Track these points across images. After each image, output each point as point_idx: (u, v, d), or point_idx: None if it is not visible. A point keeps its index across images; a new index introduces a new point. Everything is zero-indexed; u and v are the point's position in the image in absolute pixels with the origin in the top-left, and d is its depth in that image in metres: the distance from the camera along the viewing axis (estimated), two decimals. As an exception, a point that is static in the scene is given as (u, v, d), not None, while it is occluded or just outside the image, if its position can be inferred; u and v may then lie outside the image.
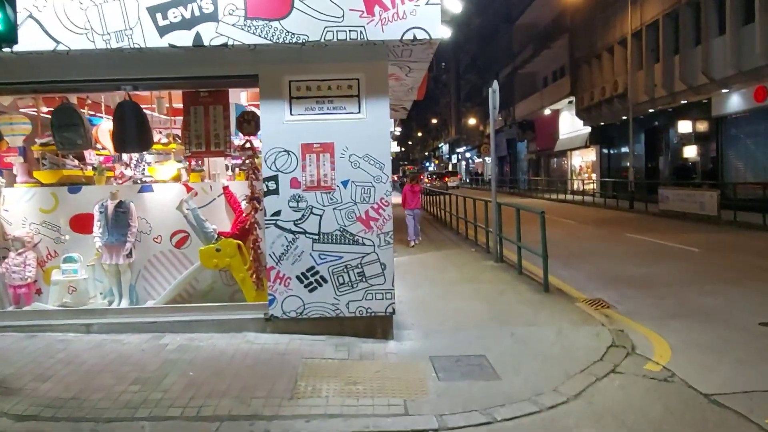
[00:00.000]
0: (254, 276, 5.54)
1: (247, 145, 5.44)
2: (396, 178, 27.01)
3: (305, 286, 5.27)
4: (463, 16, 52.13)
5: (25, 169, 6.25)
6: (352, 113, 5.21)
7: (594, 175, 29.38)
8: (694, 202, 16.82)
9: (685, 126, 20.73)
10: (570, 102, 30.48)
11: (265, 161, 5.17)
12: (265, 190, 5.19)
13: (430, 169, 71.16)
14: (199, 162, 6.23)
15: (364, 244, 5.25)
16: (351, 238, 5.25)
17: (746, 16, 16.85)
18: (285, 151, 5.18)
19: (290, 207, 5.20)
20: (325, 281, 5.28)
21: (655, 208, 18.90)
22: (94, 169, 6.24)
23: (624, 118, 23.90)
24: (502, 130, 40.48)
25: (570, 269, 9.23)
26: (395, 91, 7.65)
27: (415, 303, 6.95)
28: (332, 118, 5.20)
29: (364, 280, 5.28)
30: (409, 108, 9.75)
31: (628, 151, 24.41)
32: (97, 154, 6.70)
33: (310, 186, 5.20)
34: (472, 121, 51.13)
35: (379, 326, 5.38)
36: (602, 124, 27.00)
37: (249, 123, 5.42)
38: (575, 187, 29.88)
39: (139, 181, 6.46)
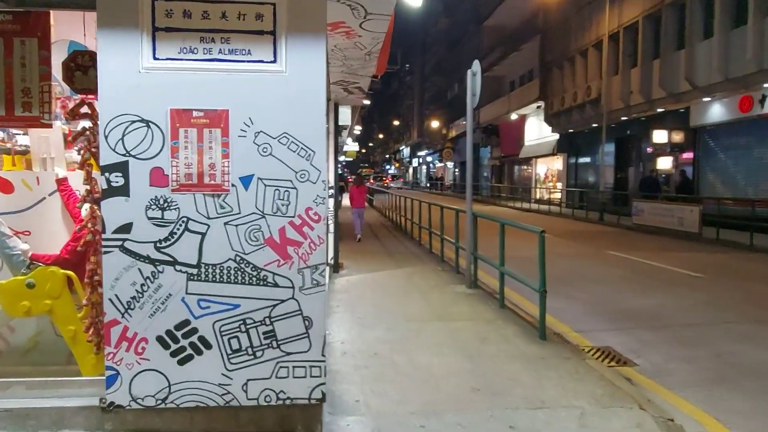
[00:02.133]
0: (92, 330, 3.28)
1: (84, 109, 3.19)
2: (350, 180, 25.06)
3: (173, 354, 3.07)
4: (431, 15, 50.58)
5: None
6: (262, 63, 3.06)
7: (559, 184, 28.09)
8: (672, 217, 15.46)
9: (660, 136, 19.45)
10: (538, 107, 29.10)
11: (106, 138, 2.96)
12: (105, 187, 2.97)
13: (391, 171, 70.02)
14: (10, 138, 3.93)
15: (276, 285, 3.11)
16: (254, 274, 3.09)
17: (737, 17, 15.59)
18: (142, 121, 2.98)
19: (149, 218, 3.00)
20: (208, 346, 3.09)
21: (627, 221, 17.54)
22: None
23: (595, 125, 22.57)
24: (465, 134, 38.94)
25: (561, 299, 7.31)
26: (348, 56, 5.52)
27: (365, 356, 4.83)
28: (228, 69, 3.04)
29: (274, 344, 3.12)
30: (367, 89, 7.61)
31: (596, 160, 23.12)
32: None
33: (186, 184, 3.02)
34: (435, 124, 49.61)
35: (299, 421, 3.23)
36: (571, 131, 25.66)
37: (86, 72, 3.18)
38: (539, 195, 28.55)
39: None
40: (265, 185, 3.08)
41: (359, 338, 5.34)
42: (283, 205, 3.08)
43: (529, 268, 6.35)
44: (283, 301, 3.12)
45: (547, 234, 5.79)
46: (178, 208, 3.03)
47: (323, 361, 3.19)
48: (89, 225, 3.22)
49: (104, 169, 2.98)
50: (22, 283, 3.32)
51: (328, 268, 2.95)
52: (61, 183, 3.63)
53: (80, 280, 3.37)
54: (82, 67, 3.19)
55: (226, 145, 3.05)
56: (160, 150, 3.01)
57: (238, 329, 3.10)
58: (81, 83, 3.19)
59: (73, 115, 3.15)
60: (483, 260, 7.51)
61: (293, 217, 3.09)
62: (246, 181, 3.07)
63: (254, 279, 3.09)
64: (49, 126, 3.35)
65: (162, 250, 3.03)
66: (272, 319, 3.12)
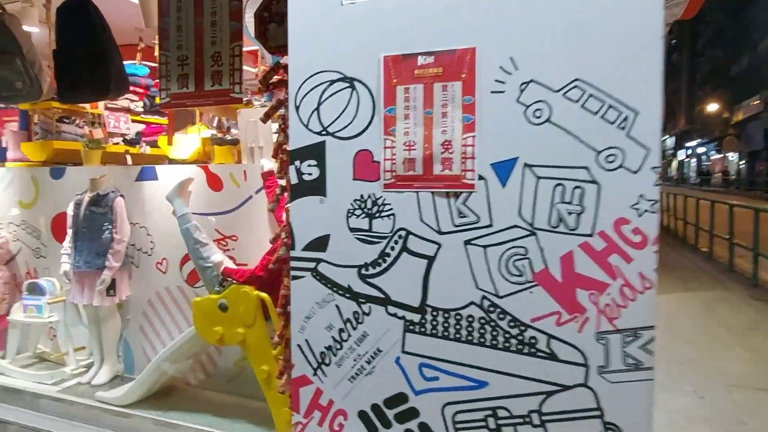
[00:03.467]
0: (285, 379, 2.39)
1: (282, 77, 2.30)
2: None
3: (382, 444, 1.96)
4: (707, -23, 42.21)
5: (17, 140, 4.07)
6: (536, -42, 1.71)
7: None
8: None
9: None
10: None
11: (297, 110, 1.98)
12: (295, 182, 2.01)
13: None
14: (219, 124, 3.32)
15: (554, 357, 1.73)
16: (515, 333, 1.76)
17: None
18: (344, 79, 1.92)
19: (352, 229, 1.93)
20: (435, 442, 1.89)
21: None
22: (90, 141, 3.73)
23: None
24: (758, 116, 31.17)
25: None
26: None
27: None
28: (476, -21, 1.77)
29: (546, 461, 1.76)
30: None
31: None
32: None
33: (405, 176, 1.86)
34: (712, 108, 41.31)
35: None
36: None
37: (282, 22, 2.27)
38: None
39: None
40: (538, 177, 1.71)
41: (657, 408, 3.60)
42: (571, 213, 1.68)
43: None
44: (565, 387, 1.72)
45: None
46: (393, 214, 1.88)
47: (639, 508, 1.69)
48: (282, 234, 2.31)
49: (294, 156, 2.01)
50: (215, 303, 2.62)
51: (655, 336, 1.44)
52: (267, 177, 2.88)
53: (275, 304, 2.53)
54: (277, 17, 2.30)
55: (470, 110, 1.78)
56: (369, 123, 1.90)
57: (483, 425, 1.82)
58: (276, 39, 2.30)
59: (265, 83, 2.28)
60: None
61: (590, 235, 1.66)
62: (504, 169, 1.75)
63: (514, 342, 1.76)
64: (238, 101, 2.59)
65: (368, 279, 1.93)
66: (544, 417, 1.75)
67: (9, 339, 3.61)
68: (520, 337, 1.76)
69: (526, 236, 1.73)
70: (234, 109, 3.41)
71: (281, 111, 2.31)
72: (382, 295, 1.92)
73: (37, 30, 3.29)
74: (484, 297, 1.79)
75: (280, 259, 2.33)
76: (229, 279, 2.63)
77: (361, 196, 1.92)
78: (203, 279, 2.77)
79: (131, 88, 4.27)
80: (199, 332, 2.67)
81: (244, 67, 2.75)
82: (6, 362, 3.58)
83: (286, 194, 2.35)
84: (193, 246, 2.73)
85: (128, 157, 4.19)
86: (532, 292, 1.74)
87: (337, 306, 1.98)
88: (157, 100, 2.83)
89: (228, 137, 3.21)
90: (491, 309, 1.78)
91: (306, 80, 1.99)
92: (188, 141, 3.37)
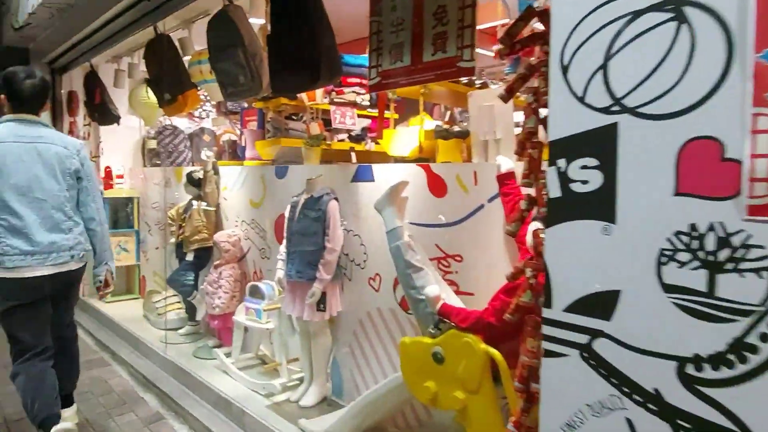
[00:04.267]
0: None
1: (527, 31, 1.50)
2: None
3: None
4: None
5: (253, 138, 4.08)
6: None
7: None
8: None
9: None
10: None
11: (564, 73, 1.16)
12: (556, 195, 1.19)
13: None
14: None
15: None
16: None
17: None
18: (662, 5, 1.03)
19: (671, 288, 1.04)
20: None
21: None
22: (309, 138, 3.43)
23: None
24: None
25: None
26: None
27: None
28: None
29: None
30: None
31: None
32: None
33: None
34: None
35: None
36: None
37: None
38: None
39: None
40: None
41: None
42: None
43: None
44: None
45: None
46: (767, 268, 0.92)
47: None
48: (528, 272, 1.51)
49: (557, 150, 1.20)
50: (428, 350, 1.96)
51: None
52: (505, 181, 2.10)
53: (509, 364, 1.74)
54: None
55: None
56: (716, 86, 0.97)
57: None
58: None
59: (510, 40, 1.49)
60: None
61: None
62: None
63: None
64: (468, 72, 1.82)
65: (701, 387, 1.00)
66: None
67: (234, 338, 3.57)
68: None
69: None
70: (462, 92, 2.72)
71: (532, 82, 1.50)
72: (729, 424, 0.97)
73: (263, 21, 3.09)
74: None
75: (522, 307, 1.53)
76: (448, 321, 1.94)
77: (693, 226, 1.00)
78: (414, 313, 2.13)
79: (358, 80, 3.95)
80: (407, 382, 2.05)
81: (479, 51, 2.02)
82: (230, 361, 3.54)
83: (536, 210, 1.53)
84: (403, 270, 2.11)
85: (353, 155, 3.87)
86: None
87: (629, 422, 1.10)
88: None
89: (455, 128, 2.54)
90: None
91: (584, 19, 1.15)
92: (409, 135, 2.82)
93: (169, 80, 3.46)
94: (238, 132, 4.88)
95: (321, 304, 2.89)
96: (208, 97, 4.16)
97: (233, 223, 3.94)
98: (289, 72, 2.35)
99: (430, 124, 2.88)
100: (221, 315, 3.74)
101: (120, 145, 5.49)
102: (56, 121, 5.41)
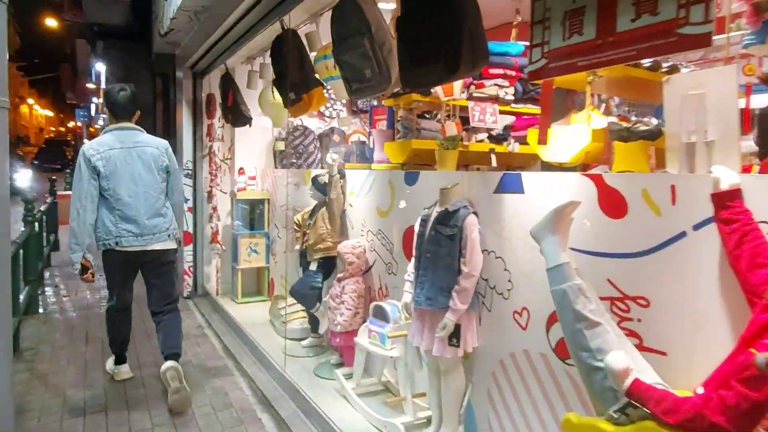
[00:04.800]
0: None
1: None
2: None
3: None
4: None
5: (382, 139, 3.71)
6: None
7: None
8: None
9: None
10: None
11: None
12: None
13: None
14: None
15: None
16: None
17: None
18: None
19: None
20: None
21: None
22: (443, 139, 2.92)
23: None
24: None
25: None
26: None
27: None
28: None
29: None
30: None
31: None
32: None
33: None
34: None
35: None
36: None
37: None
38: None
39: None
40: None
41: None
42: None
43: None
44: None
45: None
46: None
47: None
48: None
49: None
50: (607, 438, 1.39)
51: None
52: (726, 203, 1.45)
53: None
54: None
55: None
56: None
57: None
58: None
59: None
60: None
61: None
62: None
63: None
64: (703, 42, 1.18)
65: None
66: None
67: (356, 361, 3.25)
68: None
69: None
70: (646, 79, 2.06)
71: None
72: None
73: (394, 5, 2.68)
74: None
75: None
76: (641, 406, 1.35)
77: None
78: (586, 384, 1.56)
79: (501, 71, 3.39)
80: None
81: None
82: (350, 385, 3.22)
83: None
84: (572, 324, 1.56)
85: (493, 158, 3.34)
86: None
87: None
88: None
89: (641, 127, 1.89)
90: None
91: None
92: (571, 135, 2.21)
93: (293, 78, 3.21)
94: (367, 132, 4.58)
95: (454, 337, 2.42)
96: (334, 96, 3.88)
97: (359, 233, 3.62)
98: (422, 61, 1.90)
99: (600, 120, 2.24)
100: (343, 332, 3.44)
101: (253, 146, 5.50)
102: (196, 124, 5.57)
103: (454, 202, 2.46)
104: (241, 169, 5.33)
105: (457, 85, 2.90)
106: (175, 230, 3.45)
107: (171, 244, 3.44)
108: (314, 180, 3.90)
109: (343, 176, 3.74)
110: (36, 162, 24.57)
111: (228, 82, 4.73)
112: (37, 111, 54.91)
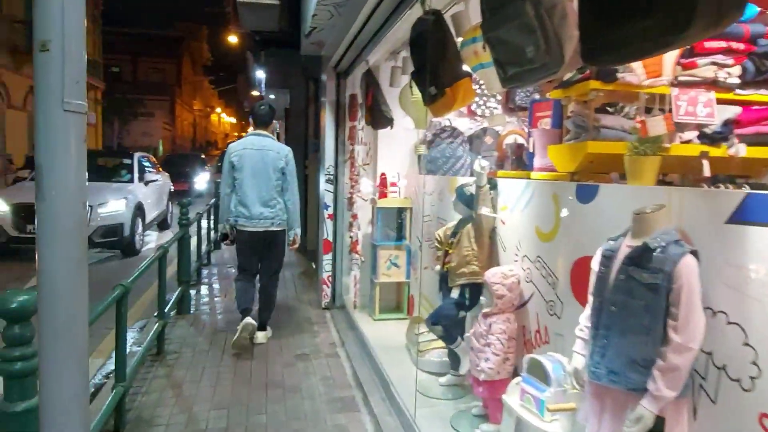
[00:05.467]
0: None
1: None
2: None
3: None
4: None
5: (546, 141, 2.94)
6: None
7: None
8: None
9: None
10: None
11: None
12: None
13: None
14: None
15: None
16: None
17: None
18: None
19: None
20: None
21: None
22: (639, 141, 2.07)
23: None
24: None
25: None
26: None
27: None
28: None
29: None
30: None
31: None
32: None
33: None
34: None
35: None
36: None
37: None
38: None
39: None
40: None
41: None
42: None
43: None
44: None
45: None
46: None
47: None
48: None
49: None
50: None
51: None
52: None
53: None
54: None
55: None
56: None
57: None
58: None
59: None
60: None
61: None
62: None
63: None
64: None
65: None
66: None
67: (503, 423, 2.55)
68: None
69: None
70: None
71: None
72: None
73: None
74: None
75: None
76: None
77: None
78: None
79: (725, 44, 2.44)
80: None
81: None
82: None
83: None
84: None
85: (705, 164, 2.40)
86: None
87: None
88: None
89: None
90: None
91: None
92: None
93: (434, 69, 2.62)
94: (526, 132, 3.81)
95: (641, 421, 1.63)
96: (485, 89, 3.20)
97: (512, 258, 2.92)
98: (622, 17, 1.18)
99: None
100: (489, 381, 2.77)
101: (396, 150, 5.05)
102: (338, 127, 5.29)
103: (658, 235, 1.66)
104: (382, 174, 4.91)
105: (669, 59, 2.05)
106: (279, 221, 4.32)
107: (274, 228, 4.31)
108: (459, 190, 3.28)
109: (494, 187, 3.08)
110: (219, 164, 27.73)
111: (369, 80, 4.32)
112: (224, 119, 62.27)
